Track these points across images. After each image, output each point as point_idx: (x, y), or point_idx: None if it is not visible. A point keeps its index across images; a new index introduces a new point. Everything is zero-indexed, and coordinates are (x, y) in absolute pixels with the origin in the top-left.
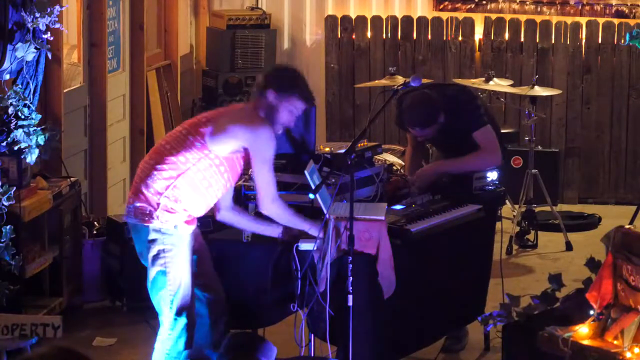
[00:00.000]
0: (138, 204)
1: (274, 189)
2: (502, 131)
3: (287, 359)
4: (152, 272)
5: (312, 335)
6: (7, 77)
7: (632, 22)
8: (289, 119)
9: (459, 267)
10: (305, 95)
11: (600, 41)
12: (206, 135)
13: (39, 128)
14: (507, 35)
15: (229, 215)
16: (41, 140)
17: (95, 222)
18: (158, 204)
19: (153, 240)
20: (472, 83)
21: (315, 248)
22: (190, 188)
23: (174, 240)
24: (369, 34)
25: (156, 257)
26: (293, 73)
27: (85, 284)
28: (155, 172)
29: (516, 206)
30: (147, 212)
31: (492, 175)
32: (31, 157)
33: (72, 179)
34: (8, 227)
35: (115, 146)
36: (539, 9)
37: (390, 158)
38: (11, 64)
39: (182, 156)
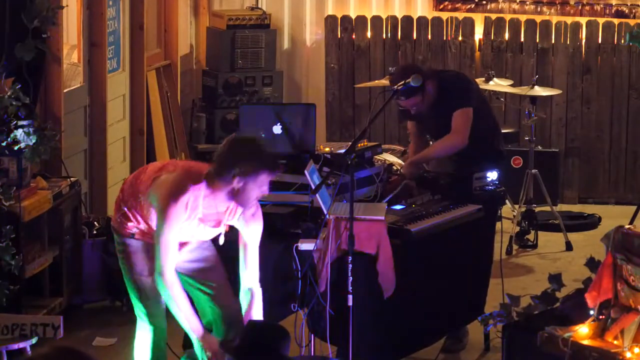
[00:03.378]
0: None
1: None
2: (502, 131)
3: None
4: None
5: (312, 335)
6: (7, 77)
7: (632, 22)
8: (259, 194)
9: (459, 267)
10: (271, 168)
11: (600, 41)
12: None
13: (39, 128)
14: (507, 35)
15: None
16: (41, 140)
17: (95, 222)
18: None
19: None
20: None
21: (315, 248)
22: None
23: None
24: (369, 34)
25: None
26: (254, 147)
27: (85, 284)
28: None
29: (516, 206)
30: None
31: (492, 175)
32: (31, 157)
33: (72, 179)
34: (8, 227)
35: (115, 146)
36: (539, 9)
37: (390, 158)
38: (11, 63)
39: None
